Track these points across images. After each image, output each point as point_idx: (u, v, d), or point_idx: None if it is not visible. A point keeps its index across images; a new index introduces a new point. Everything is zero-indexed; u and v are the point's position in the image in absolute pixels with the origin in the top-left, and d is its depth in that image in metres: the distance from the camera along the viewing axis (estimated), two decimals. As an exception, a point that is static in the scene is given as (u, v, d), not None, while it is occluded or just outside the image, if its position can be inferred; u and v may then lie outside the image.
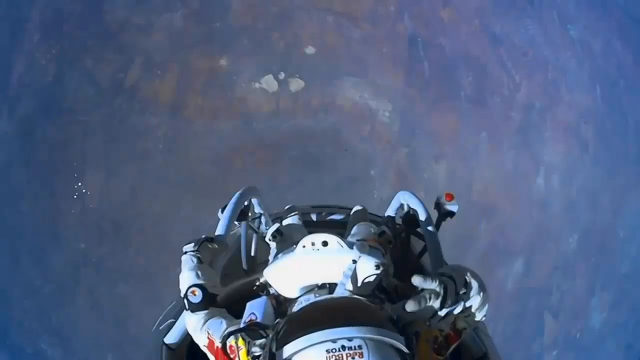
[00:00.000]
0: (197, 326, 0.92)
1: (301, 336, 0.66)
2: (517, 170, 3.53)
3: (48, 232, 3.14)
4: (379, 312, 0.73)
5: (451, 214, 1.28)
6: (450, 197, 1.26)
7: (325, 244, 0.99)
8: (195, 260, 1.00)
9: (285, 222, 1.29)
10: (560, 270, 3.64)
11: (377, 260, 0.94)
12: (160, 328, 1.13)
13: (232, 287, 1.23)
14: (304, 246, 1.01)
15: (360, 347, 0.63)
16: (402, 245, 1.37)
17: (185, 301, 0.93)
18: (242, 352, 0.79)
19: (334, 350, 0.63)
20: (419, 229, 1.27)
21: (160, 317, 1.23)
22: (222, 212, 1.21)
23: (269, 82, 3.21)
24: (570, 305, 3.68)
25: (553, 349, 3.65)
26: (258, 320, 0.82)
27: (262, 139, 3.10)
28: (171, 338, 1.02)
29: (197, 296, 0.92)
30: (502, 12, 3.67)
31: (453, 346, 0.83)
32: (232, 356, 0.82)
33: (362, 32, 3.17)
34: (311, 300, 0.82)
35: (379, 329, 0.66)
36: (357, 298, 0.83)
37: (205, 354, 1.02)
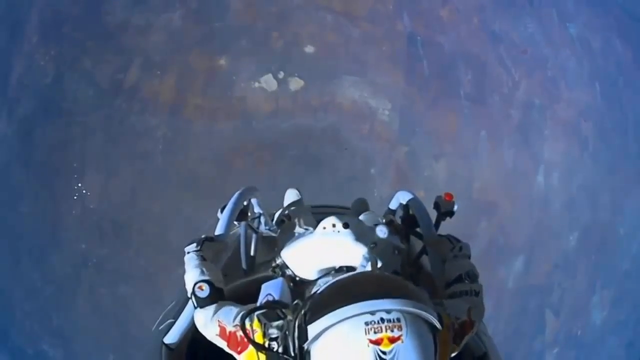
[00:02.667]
0: (207, 319, 0.90)
1: (335, 309, 0.63)
2: (517, 168, 3.53)
3: (48, 233, 3.14)
4: (413, 286, 0.71)
5: (450, 213, 1.28)
6: (449, 197, 1.26)
7: (346, 226, 0.99)
8: (198, 258, 1.00)
9: (287, 198, 1.27)
10: (561, 268, 3.65)
11: (397, 244, 0.94)
12: (160, 328, 1.12)
13: (232, 287, 1.23)
14: (324, 227, 1.01)
15: (398, 319, 0.62)
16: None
17: (193, 298, 0.92)
18: (258, 334, 0.75)
19: (372, 323, 0.61)
20: (418, 229, 1.27)
21: (160, 317, 1.23)
22: (222, 212, 1.21)
23: (268, 82, 3.21)
24: (571, 303, 3.68)
25: (554, 347, 3.65)
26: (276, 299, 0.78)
27: (261, 138, 3.10)
28: (171, 338, 1.02)
29: (204, 291, 0.91)
30: (502, 10, 3.67)
31: (468, 336, 0.82)
32: (245, 340, 0.78)
33: (361, 31, 3.17)
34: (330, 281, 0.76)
35: (416, 303, 0.65)
36: (387, 274, 0.81)
37: (205, 354, 1.01)
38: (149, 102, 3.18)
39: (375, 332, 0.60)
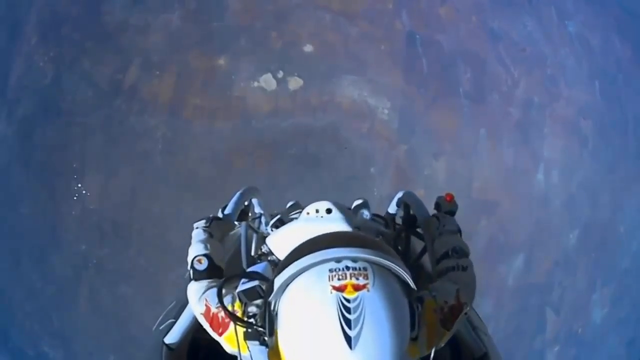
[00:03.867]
0: (197, 295, 0.88)
1: (301, 258, 0.61)
2: (517, 166, 3.53)
3: (48, 233, 3.14)
4: (388, 247, 0.68)
5: (451, 214, 1.28)
6: (450, 197, 1.26)
7: (329, 211, 1.01)
8: (205, 233, 1.01)
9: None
10: (561, 266, 3.65)
11: (380, 229, 0.93)
12: (161, 328, 1.12)
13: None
14: (307, 213, 1.02)
15: (365, 268, 0.59)
16: (402, 245, 1.36)
17: (190, 270, 0.92)
18: (238, 314, 0.74)
19: (337, 270, 0.58)
20: (418, 229, 1.27)
21: (161, 317, 1.23)
22: (222, 212, 1.21)
23: (267, 81, 3.21)
24: (571, 301, 3.68)
25: (555, 345, 3.65)
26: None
27: (261, 138, 3.10)
28: (171, 338, 1.02)
29: (202, 264, 0.91)
30: (501, 8, 3.67)
31: (458, 320, 0.78)
32: (226, 320, 0.78)
33: (360, 30, 3.17)
34: None
35: (387, 256, 0.61)
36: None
37: (205, 354, 1.01)
38: (148, 102, 3.18)
39: (339, 279, 0.58)
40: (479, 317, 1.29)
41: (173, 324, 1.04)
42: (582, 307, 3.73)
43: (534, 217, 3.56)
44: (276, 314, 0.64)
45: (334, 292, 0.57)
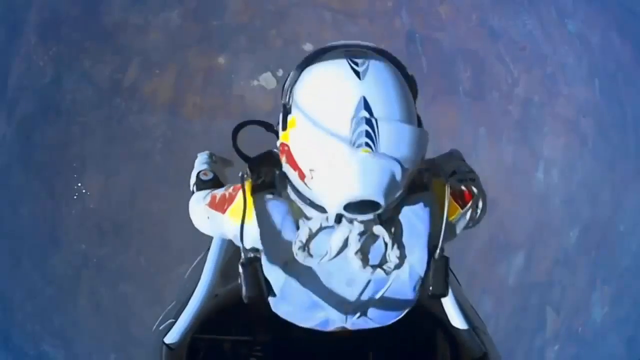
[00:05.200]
0: (200, 198, 0.84)
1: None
2: (517, 164, 3.53)
3: (48, 233, 3.14)
4: None
5: None
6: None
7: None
8: (209, 158, 1.07)
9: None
10: (561, 264, 3.65)
11: None
12: (160, 328, 1.12)
13: (232, 286, 1.23)
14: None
15: (373, 50, 0.74)
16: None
17: (195, 180, 0.95)
18: (247, 183, 0.68)
19: (350, 50, 0.70)
20: None
21: (161, 317, 1.23)
22: None
23: (267, 80, 3.21)
24: (571, 299, 3.68)
25: (555, 343, 3.65)
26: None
27: (261, 136, 3.09)
28: (171, 338, 1.02)
29: (208, 176, 0.96)
30: (500, 7, 3.67)
31: (469, 205, 0.74)
32: (232, 193, 0.76)
33: (359, 28, 3.17)
34: None
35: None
36: None
37: (205, 354, 1.01)
38: (148, 101, 3.18)
39: (351, 54, 0.68)
40: (479, 316, 1.29)
41: (173, 324, 1.04)
42: (582, 306, 3.73)
43: (533, 215, 3.56)
44: (290, 104, 0.68)
45: (346, 55, 0.67)
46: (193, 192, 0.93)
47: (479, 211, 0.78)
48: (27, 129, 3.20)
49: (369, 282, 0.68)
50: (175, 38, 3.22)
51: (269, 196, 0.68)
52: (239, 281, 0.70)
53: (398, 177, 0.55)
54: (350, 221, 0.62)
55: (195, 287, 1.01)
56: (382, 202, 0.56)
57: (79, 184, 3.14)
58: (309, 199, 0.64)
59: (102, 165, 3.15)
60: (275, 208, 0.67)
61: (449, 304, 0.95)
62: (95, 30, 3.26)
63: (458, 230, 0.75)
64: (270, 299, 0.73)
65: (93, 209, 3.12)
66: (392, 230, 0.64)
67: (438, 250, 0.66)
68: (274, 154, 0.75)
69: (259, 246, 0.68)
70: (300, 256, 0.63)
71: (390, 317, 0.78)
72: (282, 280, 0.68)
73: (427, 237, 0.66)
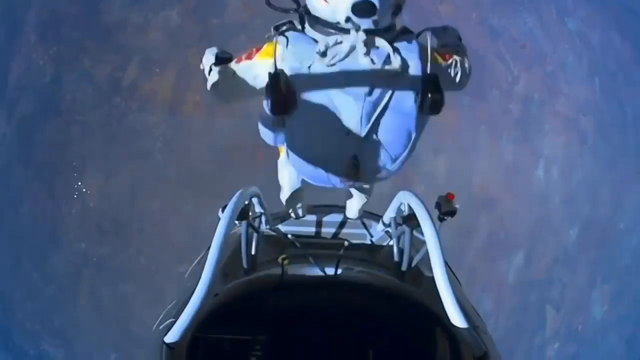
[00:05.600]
0: (222, 67, 0.95)
1: None
2: (517, 163, 3.53)
3: (48, 232, 3.14)
4: None
5: (452, 213, 1.28)
6: (451, 197, 1.25)
7: None
8: (217, 49, 1.05)
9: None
10: (561, 263, 3.65)
11: None
12: (161, 327, 1.12)
13: (232, 285, 1.23)
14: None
15: None
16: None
17: (215, 60, 0.98)
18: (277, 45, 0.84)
19: None
20: (419, 228, 1.26)
21: (161, 316, 1.23)
22: (223, 211, 1.20)
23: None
24: (571, 298, 3.68)
25: (555, 342, 3.66)
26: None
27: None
28: (171, 337, 1.02)
29: (228, 54, 0.99)
30: (500, 5, 3.66)
31: (450, 60, 0.93)
32: (260, 46, 0.89)
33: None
34: None
35: None
36: None
37: (205, 354, 1.01)
38: (148, 100, 3.17)
39: None
40: (479, 316, 1.29)
41: (173, 323, 1.04)
42: (582, 304, 3.73)
43: (534, 213, 3.56)
44: None
45: None
46: (210, 71, 1.01)
47: (459, 69, 0.95)
48: (27, 129, 3.19)
49: (372, 90, 0.81)
50: (175, 37, 3.21)
51: (293, 32, 0.89)
52: (265, 93, 0.85)
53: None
54: (357, 31, 0.79)
55: (196, 286, 1.01)
56: (377, 3, 0.76)
57: (79, 183, 3.14)
58: (325, 20, 0.83)
59: (102, 164, 3.14)
60: (300, 36, 0.87)
61: (448, 302, 0.95)
62: (95, 29, 3.25)
63: (442, 80, 0.87)
64: (290, 137, 0.88)
65: (93, 208, 3.11)
66: (391, 46, 0.81)
67: (428, 70, 0.82)
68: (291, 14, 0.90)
69: (287, 69, 0.84)
70: (318, 61, 0.81)
71: (397, 144, 0.89)
72: (305, 91, 0.82)
73: (419, 53, 0.83)
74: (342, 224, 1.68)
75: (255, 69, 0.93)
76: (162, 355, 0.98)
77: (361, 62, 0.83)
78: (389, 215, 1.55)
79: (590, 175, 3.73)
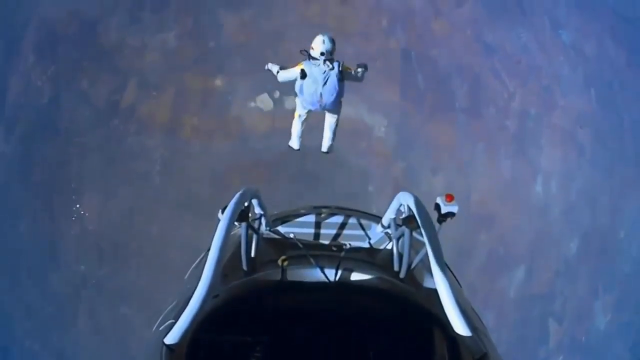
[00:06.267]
0: (285, 70, 2.21)
1: None
2: (515, 178, 3.53)
3: (47, 253, 3.13)
4: None
5: (451, 214, 1.27)
6: (450, 197, 1.24)
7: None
8: (278, 65, 2.28)
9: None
10: (563, 275, 3.64)
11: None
12: (160, 329, 1.11)
13: (232, 286, 1.23)
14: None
15: None
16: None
17: (278, 69, 2.23)
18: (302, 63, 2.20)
19: None
20: (419, 230, 1.25)
21: (161, 318, 1.22)
22: (222, 213, 1.19)
23: (264, 101, 3.22)
24: (573, 309, 3.67)
25: (559, 354, 3.63)
26: None
27: (259, 157, 3.10)
28: (171, 339, 1.00)
29: (285, 67, 2.25)
30: (494, 21, 3.69)
31: (354, 70, 2.22)
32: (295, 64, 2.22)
33: (354, 48, 3.18)
34: None
35: None
36: None
37: (205, 355, 1.05)
38: (146, 122, 3.19)
39: None
40: (480, 318, 1.28)
41: (173, 324, 1.03)
42: (585, 315, 3.71)
43: (533, 227, 3.55)
44: None
45: None
46: (278, 72, 2.24)
47: (357, 72, 2.21)
48: (25, 148, 3.20)
49: (326, 80, 2.14)
50: (172, 59, 3.24)
51: (307, 61, 2.14)
52: (300, 76, 2.16)
53: (333, 45, 2.15)
54: (324, 61, 2.10)
55: (195, 287, 1.01)
56: (329, 52, 2.12)
57: (77, 205, 3.14)
58: (314, 57, 2.13)
59: (101, 186, 3.14)
60: (308, 63, 2.12)
61: (450, 309, 0.94)
62: (92, 51, 3.28)
63: (348, 76, 2.19)
64: (299, 89, 2.20)
65: (92, 230, 3.11)
66: (333, 66, 2.13)
67: (340, 69, 2.15)
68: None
69: (306, 68, 2.15)
70: (313, 67, 2.12)
71: (333, 100, 2.20)
72: (300, 82, 2.17)
73: (339, 65, 2.12)
74: (342, 226, 1.67)
75: (295, 69, 2.14)
76: (162, 356, 0.97)
77: (324, 68, 2.12)
78: (388, 216, 1.54)
79: (588, 185, 3.73)
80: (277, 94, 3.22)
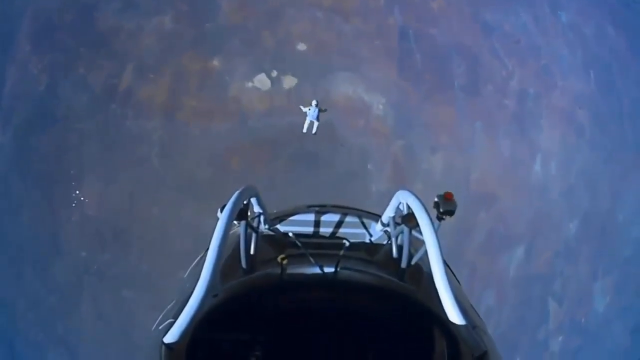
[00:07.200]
0: None
1: None
2: (514, 158, 3.52)
3: (49, 241, 3.13)
4: None
5: (450, 212, 1.26)
6: (449, 196, 1.24)
7: None
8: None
9: None
10: (562, 256, 3.64)
11: None
12: (160, 328, 1.11)
13: (231, 285, 1.23)
14: None
15: None
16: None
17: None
18: None
19: None
20: (419, 227, 1.25)
21: (160, 317, 1.22)
22: (221, 211, 1.19)
23: (262, 81, 3.21)
24: (573, 291, 3.68)
25: (558, 335, 3.65)
26: None
27: (258, 137, 3.10)
28: (171, 337, 1.01)
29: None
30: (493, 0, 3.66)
31: None
32: None
33: (352, 27, 3.17)
34: None
35: None
36: None
37: (205, 354, 1.00)
38: (144, 105, 3.17)
39: None
40: (479, 316, 1.28)
41: (172, 323, 1.03)
42: (584, 297, 3.72)
43: (533, 208, 3.55)
44: None
45: None
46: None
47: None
48: (23, 137, 3.19)
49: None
50: (169, 42, 3.21)
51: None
52: None
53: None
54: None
55: (195, 286, 1.01)
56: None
57: (77, 192, 3.13)
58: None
59: (100, 171, 3.14)
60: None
61: (446, 300, 0.94)
62: (89, 36, 3.25)
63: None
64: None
65: (92, 216, 3.11)
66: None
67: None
68: None
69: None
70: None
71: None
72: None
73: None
74: (339, 224, 1.68)
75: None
76: (162, 355, 0.98)
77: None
78: (387, 214, 1.54)
79: (588, 167, 3.72)
80: (274, 73, 3.20)
